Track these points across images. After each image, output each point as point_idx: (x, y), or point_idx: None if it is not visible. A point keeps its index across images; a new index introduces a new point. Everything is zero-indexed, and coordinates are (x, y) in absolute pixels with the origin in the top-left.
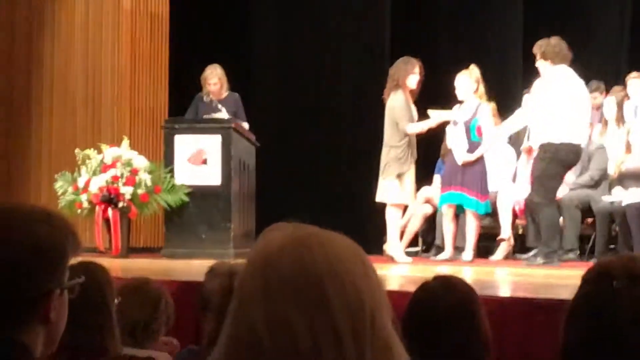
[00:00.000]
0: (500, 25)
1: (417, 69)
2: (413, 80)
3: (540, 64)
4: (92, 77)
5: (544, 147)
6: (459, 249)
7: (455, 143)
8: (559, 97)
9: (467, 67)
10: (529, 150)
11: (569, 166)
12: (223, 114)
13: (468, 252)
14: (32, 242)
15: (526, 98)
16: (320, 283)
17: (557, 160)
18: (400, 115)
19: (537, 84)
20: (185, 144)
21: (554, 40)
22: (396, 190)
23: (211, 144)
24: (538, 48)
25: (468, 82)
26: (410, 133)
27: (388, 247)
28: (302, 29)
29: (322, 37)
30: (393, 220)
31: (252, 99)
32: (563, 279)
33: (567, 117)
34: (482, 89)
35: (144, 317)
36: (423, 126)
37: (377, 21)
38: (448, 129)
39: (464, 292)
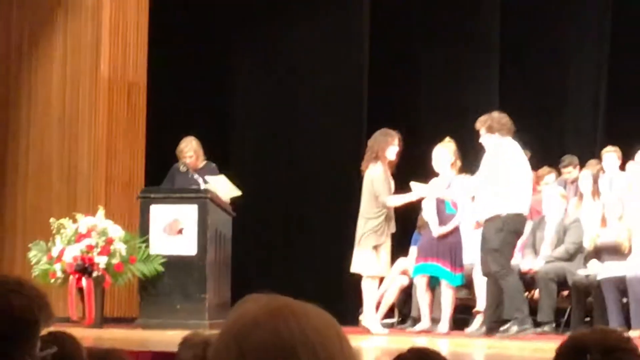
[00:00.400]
0: (477, 94)
1: (396, 141)
2: (392, 151)
3: (486, 138)
4: (68, 145)
5: (501, 219)
6: (435, 320)
7: (430, 215)
8: (511, 169)
9: (442, 139)
10: (479, 225)
11: (519, 236)
12: (203, 184)
13: (444, 324)
14: (4, 312)
15: None
16: (295, 354)
17: (513, 231)
18: (379, 187)
19: (486, 158)
20: (161, 213)
21: (497, 113)
22: (372, 261)
23: (187, 214)
24: (482, 123)
25: (446, 155)
26: (389, 206)
27: (364, 319)
28: (278, 99)
29: (301, 113)
30: (369, 292)
31: (229, 168)
32: (538, 351)
33: (519, 189)
34: (458, 162)
35: None
36: (403, 199)
37: (355, 87)
38: (424, 201)
39: None
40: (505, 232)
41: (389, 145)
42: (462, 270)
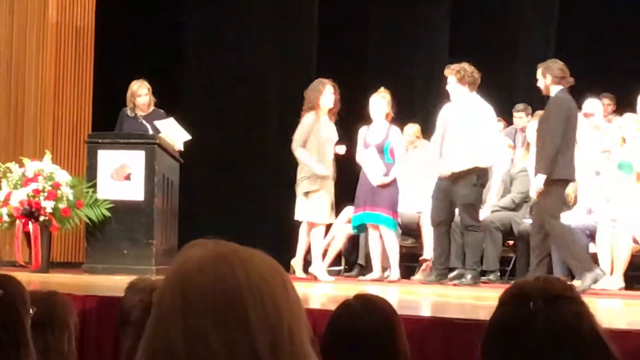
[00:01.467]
0: (427, 45)
1: (328, 88)
2: (326, 100)
3: (454, 87)
4: (15, 89)
5: (476, 173)
6: (383, 268)
7: (370, 165)
8: (481, 124)
9: (377, 89)
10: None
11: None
12: (150, 130)
13: (394, 271)
14: None
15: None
16: (240, 299)
17: (482, 185)
18: (296, 134)
19: (456, 108)
20: (108, 158)
21: (469, 67)
22: (306, 208)
23: (135, 160)
24: (456, 72)
25: (383, 104)
26: (296, 155)
27: (311, 267)
28: (230, 42)
29: (251, 56)
30: (304, 237)
31: (177, 114)
32: (482, 300)
33: (489, 143)
34: (391, 113)
35: (60, 339)
36: (308, 161)
37: (306, 36)
38: (358, 152)
39: (384, 312)
40: (479, 186)
41: (321, 94)
42: (397, 217)
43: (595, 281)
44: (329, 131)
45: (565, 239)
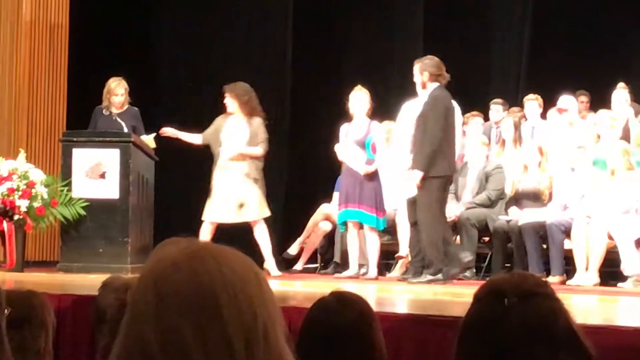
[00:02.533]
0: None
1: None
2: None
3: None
4: None
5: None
6: (360, 266)
7: (352, 157)
8: (451, 123)
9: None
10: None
11: None
12: (125, 128)
13: (372, 269)
14: None
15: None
16: (214, 296)
17: (451, 182)
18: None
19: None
20: (83, 157)
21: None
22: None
23: (110, 158)
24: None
25: (365, 100)
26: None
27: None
28: (204, 39)
29: (225, 51)
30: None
31: (151, 112)
32: (458, 296)
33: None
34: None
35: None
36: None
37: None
38: (337, 147)
39: (360, 308)
40: (445, 185)
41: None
42: (384, 214)
43: (432, 279)
44: None
45: (433, 231)
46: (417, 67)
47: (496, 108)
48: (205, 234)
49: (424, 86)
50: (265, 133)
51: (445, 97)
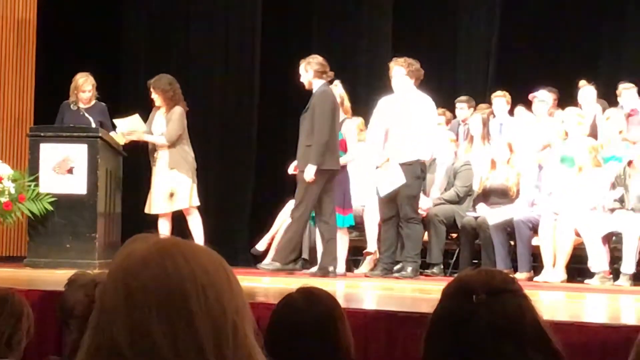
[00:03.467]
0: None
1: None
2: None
3: (402, 80)
4: None
5: (419, 166)
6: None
7: None
8: (424, 118)
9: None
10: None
11: None
12: (93, 123)
13: (340, 266)
14: None
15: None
16: (183, 293)
17: (423, 178)
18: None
19: (400, 101)
20: (50, 152)
21: (415, 62)
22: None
23: (77, 153)
24: (406, 65)
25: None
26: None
27: None
28: (173, 31)
29: (195, 44)
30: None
31: (119, 108)
32: (426, 293)
33: (430, 136)
34: (347, 104)
35: (8, 328)
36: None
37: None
38: None
39: (327, 305)
40: (421, 179)
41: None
42: (351, 211)
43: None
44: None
45: (297, 226)
46: (302, 65)
47: (460, 106)
48: (162, 228)
49: (309, 84)
50: (178, 123)
51: (330, 93)
